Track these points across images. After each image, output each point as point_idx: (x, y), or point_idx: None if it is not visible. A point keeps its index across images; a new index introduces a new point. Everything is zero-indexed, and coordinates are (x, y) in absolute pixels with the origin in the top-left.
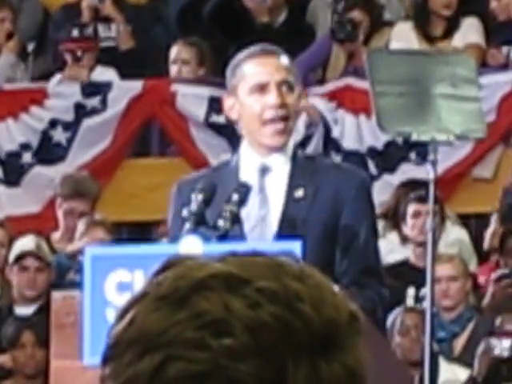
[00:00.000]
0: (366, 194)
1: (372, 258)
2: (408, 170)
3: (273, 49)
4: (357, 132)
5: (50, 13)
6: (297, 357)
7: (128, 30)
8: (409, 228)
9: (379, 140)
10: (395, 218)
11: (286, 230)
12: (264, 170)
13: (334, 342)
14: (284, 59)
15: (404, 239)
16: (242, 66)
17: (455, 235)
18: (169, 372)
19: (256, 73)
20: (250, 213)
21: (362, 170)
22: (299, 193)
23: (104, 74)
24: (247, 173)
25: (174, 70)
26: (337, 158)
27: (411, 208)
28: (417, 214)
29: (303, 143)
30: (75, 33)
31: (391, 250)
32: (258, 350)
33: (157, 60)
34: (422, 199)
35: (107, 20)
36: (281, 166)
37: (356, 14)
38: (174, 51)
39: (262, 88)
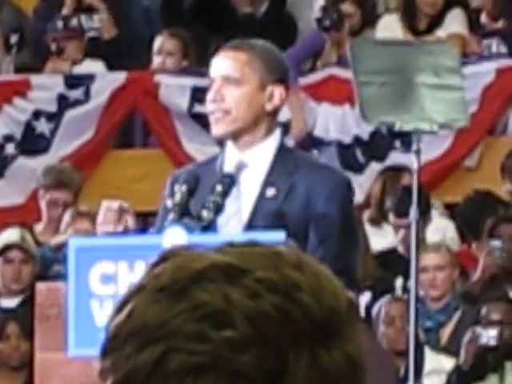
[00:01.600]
0: (338, 197)
1: (340, 262)
2: (396, 158)
3: (238, 43)
4: (342, 122)
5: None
6: (297, 346)
7: (111, 19)
8: (392, 225)
9: (364, 130)
10: (383, 210)
11: (254, 226)
12: (240, 167)
13: (334, 331)
14: (243, 54)
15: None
16: None
17: (440, 227)
18: (169, 364)
19: (212, 67)
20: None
21: (340, 173)
22: (271, 192)
23: (91, 66)
24: (229, 167)
25: (157, 61)
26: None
27: (391, 219)
28: (400, 215)
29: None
30: (60, 24)
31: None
32: (258, 340)
33: (140, 50)
34: (401, 214)
35: (89, 10)
36: (259, 162)
37: (346, 7)
38: (158, 42)
39: (211, 82)
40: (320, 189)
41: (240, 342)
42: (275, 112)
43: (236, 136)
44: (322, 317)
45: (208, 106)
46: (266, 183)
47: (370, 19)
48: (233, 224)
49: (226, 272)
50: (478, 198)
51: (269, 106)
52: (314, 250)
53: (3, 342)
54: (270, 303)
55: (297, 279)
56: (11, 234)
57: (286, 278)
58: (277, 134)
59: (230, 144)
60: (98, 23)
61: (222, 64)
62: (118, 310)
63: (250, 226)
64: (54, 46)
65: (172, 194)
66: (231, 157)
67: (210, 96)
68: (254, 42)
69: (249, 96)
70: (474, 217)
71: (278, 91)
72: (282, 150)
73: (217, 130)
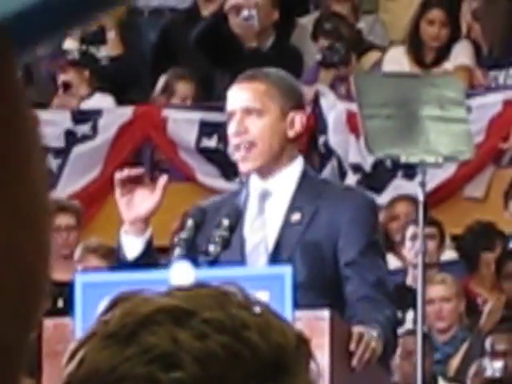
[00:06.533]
0: (362, 218)
1: (374, 270)
2: (398, 187)
3: (254, 73)
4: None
5: None
6: None
7: (118, 37)
8: (407, 250)
9: (366, 161)
10: (387, 237)
11: (280, 253)
12: (264, 195)
13: (283, 368)
14: (261, 84)
15: (401, 257)
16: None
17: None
18: None
19: (229, 99)
20: (249, 237)
21: (364, 194)
22: (296, 217)
23: (101, 101)
24: (252, 198)
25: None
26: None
27: (410, 231)
28: (415, 237)
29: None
30: (63, 55)
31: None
32: (207, 380)
33: (145, 83)
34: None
35: (97, 38)
36: (283, 189)
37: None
38: (168, 82)
39: (231, 115)
40: (344, 211)
41: (189, 382)
42: (297, 138)
43: (264, 168)
44: (271, 354)
45: (232, 140)
46: (291, 208)
47: (359, 50)
48: (258, 254)
49: (173, 315)
50: (479, 230)
51: (291, 133)
52: (345, 269)
53: None
54: (217, 343)
55: (244, 318)
56: None
57: (233, 318)
58: (299, 160)
59: (254, 174)
60: (106, 52)
61: (241, 95)
62: (70, 358)
63: (276, 253)
64: (59, 80)
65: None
66: (255, 187)
67: (232, 129)
68: (267, 70)
69: (272, 125)
70: (473, 249)
71: (298, 117)
72: (305, 175)
73: (245, 166)
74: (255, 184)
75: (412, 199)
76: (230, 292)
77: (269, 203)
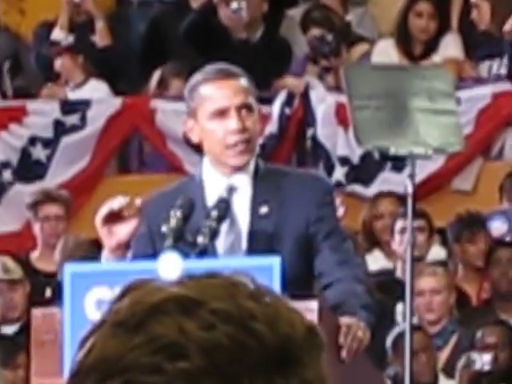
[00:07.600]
0: (329, 199)
1: (344, 253)
2: (386, 180)
3: (230, 70)
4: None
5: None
6: (253, 376)
7: (106, 27)
8: (396, 244)
9: (354, 153)
10: (372, 234)
11: (255, 246)
12: (231, 190)
13: (290, 359)
14: (243, 81)
15: (389, 254)
16: (200, 88)
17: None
18: None
19: (215, 97)
20: (220, 231)
21: (323, 177)
22: (264, 209)
23: (95, 88)
24: (213, 191)
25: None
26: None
27: (399, 224)
28: (404, 230)
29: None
30: (53, 42)
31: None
32: (213, 371)
33: (134, 73)
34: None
35: (85, 26)
36: (244, 185)
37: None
38: (162, 78)
39: (222, 113)
40: (310, 198)
41: (195, 373)
42: None
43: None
44: (277, 345)
45: (231, 138)
46: (257, 202)
47: (347, 41)
48: (232, 248)
49: (181, 304)
50: (460, 223)
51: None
52: (320, 249)
53: (12, 370)
54: (224, 334)
55: (251, 309)
56: None
57: (241, 308)
58: None
59: (209, 168)
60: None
61: (232, 92)
62: (81, 345)
63: (250, 246)
64: (56, 65)
65: (161, 221)
66: (215, 181)
67: (234, 126)
68: (234, 67)
69: (258, 122)
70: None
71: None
72: (258, 169)
73: (239, 161)
74: (217, 179)
75: (396, 195)
76: (241, 282)
77: (235, 198)
